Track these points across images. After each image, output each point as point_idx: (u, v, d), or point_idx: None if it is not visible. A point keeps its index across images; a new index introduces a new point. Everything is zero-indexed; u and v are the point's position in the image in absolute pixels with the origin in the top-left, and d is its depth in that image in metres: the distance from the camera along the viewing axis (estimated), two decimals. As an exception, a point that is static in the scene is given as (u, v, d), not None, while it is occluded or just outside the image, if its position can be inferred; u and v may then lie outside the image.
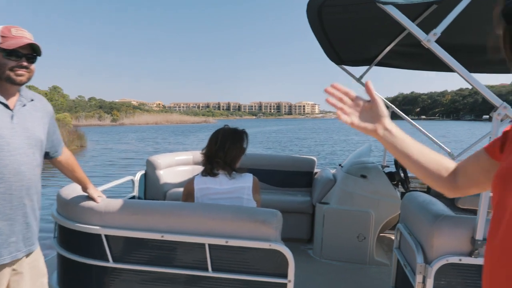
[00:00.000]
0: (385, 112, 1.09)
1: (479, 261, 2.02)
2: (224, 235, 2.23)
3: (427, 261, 2.13)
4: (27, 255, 2.04)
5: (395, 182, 4.06)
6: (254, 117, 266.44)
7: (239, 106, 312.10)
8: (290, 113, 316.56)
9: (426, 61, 4.15)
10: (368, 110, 1.09)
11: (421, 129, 4.16)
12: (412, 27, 1.95)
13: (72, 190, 2.61)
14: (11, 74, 1.84)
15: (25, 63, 1.86)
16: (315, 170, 4.85)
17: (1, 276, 1.91)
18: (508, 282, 0.78)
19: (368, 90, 1.09)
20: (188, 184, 2.49)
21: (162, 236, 2.27)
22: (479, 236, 2.01)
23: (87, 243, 2.43)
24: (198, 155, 5.07)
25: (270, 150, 24.61)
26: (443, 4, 2.21)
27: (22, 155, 1.89)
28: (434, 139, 4.39)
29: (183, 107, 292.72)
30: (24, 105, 1.96)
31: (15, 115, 1.90)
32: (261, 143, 30.08)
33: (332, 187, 4.04)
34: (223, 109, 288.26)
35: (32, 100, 2.03)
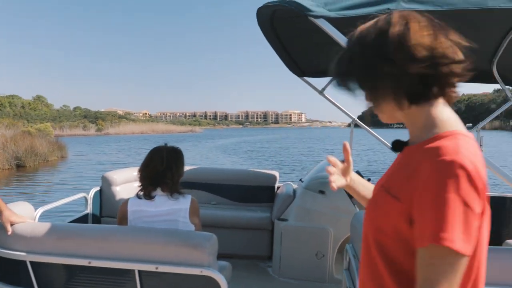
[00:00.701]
0: (352, 166, 1.36)
1: None
2: (154, 260, 2.10)
3: None
4: None
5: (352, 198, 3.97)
6: (241, 126, 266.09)
7: (226, 116, 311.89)
8: (277, 122, 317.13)
9: None
10: (343, 168, 1.34)
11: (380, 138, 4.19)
12: (344, 41, 1.87)
13: None
14: None
15: None
16: (277, 185, 4.73)
17: None
18: None
19: (345, 152, 1.29)
20: (122, 206, 2.37)
21: (90, 262, 2.14)
22: None
23: (12, 270, 2.28)
24: None
25: (254, 160, 24.52)
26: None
27: None
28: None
29: (170, 116, 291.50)
30: None
31: None
32: (245, 153, 29.97)
33: (291, 203, 3.93)
34: (209, 119, 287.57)
35: None
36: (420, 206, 0.93)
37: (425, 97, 1.02)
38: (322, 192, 3.75)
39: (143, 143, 44.86)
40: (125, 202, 2.37)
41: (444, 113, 1.03)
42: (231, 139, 56.90)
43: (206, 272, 2.05)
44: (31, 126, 35.55)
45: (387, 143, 4.13)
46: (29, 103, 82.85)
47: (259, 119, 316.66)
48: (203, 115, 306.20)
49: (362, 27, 1.08)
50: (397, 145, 1.15)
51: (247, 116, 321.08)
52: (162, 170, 2.33)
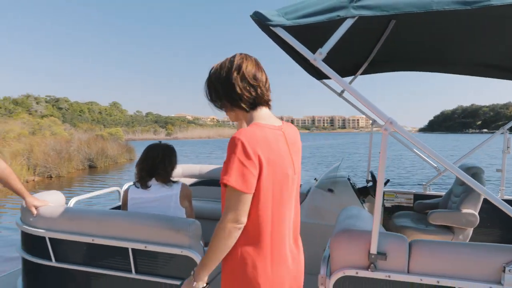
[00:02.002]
0: None
1: (376, 274, 2.04)
2: (144, 240, 2.43)
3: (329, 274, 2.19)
4: None
5: (363, 198, 4.07)
6: (307, 131, 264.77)
7: (292, 120, 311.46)
8: (344, 127, 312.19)
9: (410, 63, 4.13)
10: None
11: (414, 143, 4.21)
12: (299, 47, 2.06)
13: None
14: None
15: None
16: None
17: None
18: None
19: None
20: (124, 194, 2.74)
21: (93, 240, 2.51)
22: (373, 249, 2.03)
23: (35, 244, 2.72)
24: (187, 168, 5.32)
25: (309, 165, 24.52)
26: (332, 26, 2.26)
27: None
28: (421, 154, 4.37)
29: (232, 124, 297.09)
30: None
31: None
32: (303, 158, 30.01)
33: (303, 201, 4.11)
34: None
35: None
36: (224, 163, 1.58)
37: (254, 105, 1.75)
38: (331, 190, 3.90)
39: (205, 148, 46.25)
40: (126, 190, 2.74)
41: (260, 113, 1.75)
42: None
43: (185, 252, 2.34)
44: (105, 131, 38.14)
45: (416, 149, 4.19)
46: (105, 109, 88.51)
47: (325, 124, 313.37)
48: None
49: (216, 65, 1.79)
50: None
51: (313, 121, 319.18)
52: (157, 162, 2.67)
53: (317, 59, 2.02)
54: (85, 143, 22.77)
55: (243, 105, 1.72)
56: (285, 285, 1.68)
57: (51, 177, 16.84)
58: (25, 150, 17.84)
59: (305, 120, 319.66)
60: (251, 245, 1.60)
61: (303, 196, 4.16)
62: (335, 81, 2.07)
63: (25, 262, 2.83)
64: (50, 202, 2.90)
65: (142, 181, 2.69)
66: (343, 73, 4.58)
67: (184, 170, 5.21)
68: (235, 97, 1.71)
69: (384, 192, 4.74)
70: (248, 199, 1.54)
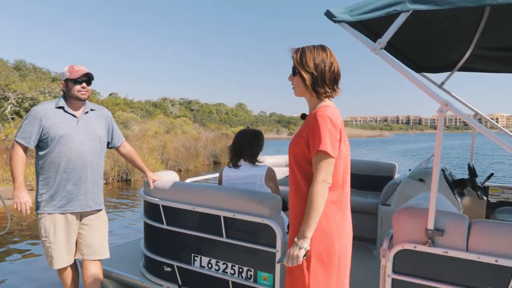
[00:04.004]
0: None
1: (433, 250, 2.14)
2: (233, 210, 2.87)
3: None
4: (93, 212, 3.08)
5: (459, 190, 4.01)
6: (436, 131, 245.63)
7: (420, 120, 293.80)
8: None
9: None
10: None
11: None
12: (360, 38, 2.30)
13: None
14: (78, 94, 2.93)
15: (84, 86, 2.94)
16: (396, 176, 4.98)
17: (72, 222, 3.01)
18: None
19: None
20: (219, 173, 3.22)
21: (193, 208, 3.04)
22: (430, 225, 2.14)
23: (152, 211, 3.36)
24: (278, 159, 5.73)
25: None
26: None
27: (84, 145, 2.98)
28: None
29: (360, 121, 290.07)
30: (87, 112, 3.08)
31: (80, 120, 3.03)
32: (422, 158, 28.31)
33: (395, 190, 4.20)
34: (402, 123, 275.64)
35: (92, 109, 3.11)
36: (311, 136, 1.92)
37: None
38: (421, 180, 3.94)
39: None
40: (221, 170, 3.22)
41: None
42: (418, 144, 53.91)
43: (265, 221, 2.72)
44: (229, 130, 40.61)
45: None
46: (231, 110, 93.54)
47: (458, 124, 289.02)
48: (395, 120, 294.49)
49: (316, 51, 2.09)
50: (303, 116, 2.15)
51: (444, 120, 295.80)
52: (244, 145, 3.10)
53: (376, 48, 2.24)
54: (211, 140, 24.62)
55: (319, 96, 2.07)
56: (346, 235, 2.06)
57: (180, 170, 18.64)
58: (160, 146, 20.06)
59: (434, 120, 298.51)
60: (331, 196, 1.96)
61: (395, 186, 4.26)
62: (396, 70, 2.24)
63: (145, 225, 3.50)
64: (169, 179, 3.54)
65: (233, 161, 3.14)
66: (441, 68, 4.50)
67: (275, 161, 5.64)
68: (318, 89, 2.04)
69: (488, 186, 4.57)
70: (333, 162, 1.91)
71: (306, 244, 1.89)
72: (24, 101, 26.90)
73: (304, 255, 1.90)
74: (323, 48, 2.08)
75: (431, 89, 2.15)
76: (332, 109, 1.98)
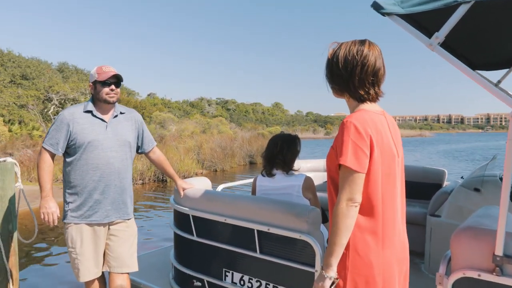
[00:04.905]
0: None
1: (502, 280, 1.81)
2: (267, 223, 2.63)
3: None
4: (121, 222, 2.90)
5: None
6: (480, 130, 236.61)
7: (462, 119, 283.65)
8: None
9: None
10: None
11: None
12: (414, 33, 2.02)
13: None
14: (106, 97, 2.76)
15: (113, 88, 2.76)
16: (446, 183, 4.59)
17: (99, 232, 2.84)
18: None
19: None
20: (253, 182, 2.98)
21: (225, 220, 2.82)
22: (498, 251, 1.82)
23: (182, 221, 3.17)
24: (316, 163, 5.42)
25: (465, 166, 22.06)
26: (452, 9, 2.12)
27: (112, 152, 2.80)
28: None
29: (399, 120, 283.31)
30: (116, 116, 2.88)
31: (109, 125, 2.84)
32: (467, 160, 27.18)
33: (446, 200, 3.84)
34: (443, 122, 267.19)
35: (122, 112, 2.92)
36: (338, 147, 1.67)
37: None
38: (477, 189, 3.57)
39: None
40: (255, 178, 2.98)
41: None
42: (460, 145, 51.93)
43: (303, 237, 2.46)
44: (266, 130, 40.47)
45: None
46: (268, 109, 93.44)
47: (503, 123, 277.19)
48: (436, 119, 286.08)
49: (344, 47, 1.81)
50: None
51: (488, 119, 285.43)
52: (276, 152, 2.84)
53: (433, 43, 1.95)
54: (247, 140, 24.49)
55: (355, 98, 1.80)
56: (393, 265, 1.71)
57: (216, 170, 18.61)
58: (196, 146, 20.10)
59: (477, 119, 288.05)
60: (363, 223, 1.66)
61: (446, 195, 3.90)
62: (458, 68, 1.95)
63: (175, 235, 3.31)
64: (198, 186, 3.34)
65: (266, 170, 2.89)
66: (497, 65, 4.12)
67: (313, 165, 5.33)
68: (351, 90, 1.77)
69: None
70: (361, 178, 1.61)
71: (332, 273, 1.63)
72: (67, 102, 27.65)
73: (332, 285, 1.64)
74: (362, 43, 1.78)
75: (500, 91, 1.84)
76: (365, 113, 1.69)
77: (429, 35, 2.04)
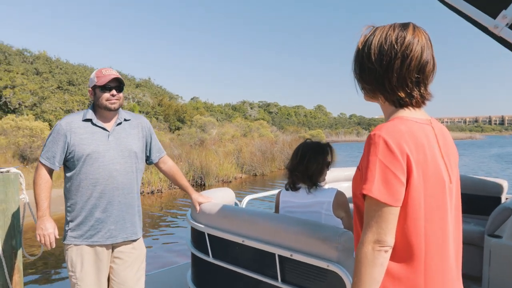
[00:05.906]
0: None
1: None
2: (291, 247, 2.22)
3: None
4: (127, 243, 2.56)
5: None
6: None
7: (476, 120, 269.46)
8: None
9: None
10: None
11: None
12: (474, 13, 1.58)
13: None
14: (107, 103, 2.44)
15: (114, 93, 2.43)
16: (505, 196, 3.98)
17: (102, 254, 2.49)
18: None
19: None
20: (276, 196, 2.57)
21: (243, 241, 2.43)
22: None
23: (198, 238, 2.81)
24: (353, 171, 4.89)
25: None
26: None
27: (115, 164, 2.47)
28: None
29: (447, 122, 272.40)
30: (120, 123, 2.55)
31: (111, 134, 2.51)
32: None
33: (508, 218, 3.27)
34: (495, 124, 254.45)
35: (127, 119, 2.59)
36: (363, 168, 1.23)
37: None
38: (547, 205, 3.00)
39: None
40: (278, 193, 2.57)
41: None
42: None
43: (332, 267, 2.03)
44: (308, 133, 39.78)
45: None
46: (310, 112, 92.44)
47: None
48: (487, 120, 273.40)
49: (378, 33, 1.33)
50: None
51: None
52: (295, 163, 2.43)
53: (499, 25, 1.49)
54: (287, 144, 24.03)
55: (392, 102, 1.33)
56: None
57: (255, 175, 18.29)
58: (236, 150, 19.87)
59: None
60: (398, 273, 1.22)
61: (508, 212, 3.33)
62: None
63: (192, 255, 2.96)
64: (221, 199, 2.97)
65: (289, 183, 2.48)
66: None
67: (351, 174, 4.82)
68: (387, 90, 1.30)
69: None
70: (395, 213, 1.18)
71: None
72: (111, 106, 28.34)
73: None
74: (404, 28, 1.27)
75: None
76: (401, 123, 1.23)
77: (493, 15, 1.59)
